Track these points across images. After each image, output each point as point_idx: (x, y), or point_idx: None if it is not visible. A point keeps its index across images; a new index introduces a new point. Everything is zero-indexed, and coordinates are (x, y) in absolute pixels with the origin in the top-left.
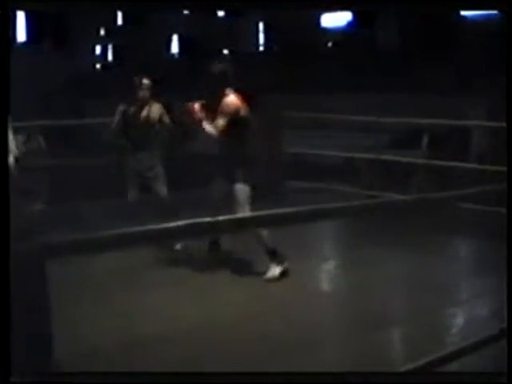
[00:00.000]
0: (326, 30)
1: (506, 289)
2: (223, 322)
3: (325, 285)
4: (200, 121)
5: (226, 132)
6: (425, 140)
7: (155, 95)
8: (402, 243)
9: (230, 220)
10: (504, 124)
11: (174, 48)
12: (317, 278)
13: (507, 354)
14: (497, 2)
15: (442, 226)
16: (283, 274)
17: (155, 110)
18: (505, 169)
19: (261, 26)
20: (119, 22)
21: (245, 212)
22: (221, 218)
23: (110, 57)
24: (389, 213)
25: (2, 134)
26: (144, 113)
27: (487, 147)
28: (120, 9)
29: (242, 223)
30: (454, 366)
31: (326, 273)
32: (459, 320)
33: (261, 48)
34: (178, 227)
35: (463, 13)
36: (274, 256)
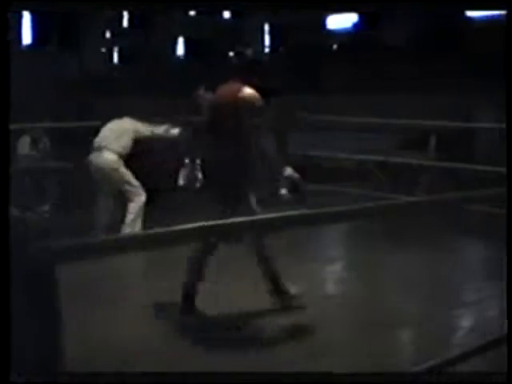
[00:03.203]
0: (331, 32)
1: (506, 288)
2: (228, 324)
3: (331, 286)
4: None
5: None
6: (432, 142)
7: None
8: (410, 245)
9: (241, 223)
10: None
11: (180, 50)
12: (323, 279)
13: (507, 355)
14: (497, 2)
15: (450, 228)
16: None
17: None
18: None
19: (266, 27)
20: (125, 24)
21: None
22: (231, 220)
23: (115, 59)
24: (397, 215)
25: (2, 134)
26: None
27: (496, 149)
28: (123, 9)
29: (252, 225)
30: (461, 368)
31: (333, 274)
32: (468, 322)
33: (266, 49)
34: (190, 230)
35: (470, 14)
36: None
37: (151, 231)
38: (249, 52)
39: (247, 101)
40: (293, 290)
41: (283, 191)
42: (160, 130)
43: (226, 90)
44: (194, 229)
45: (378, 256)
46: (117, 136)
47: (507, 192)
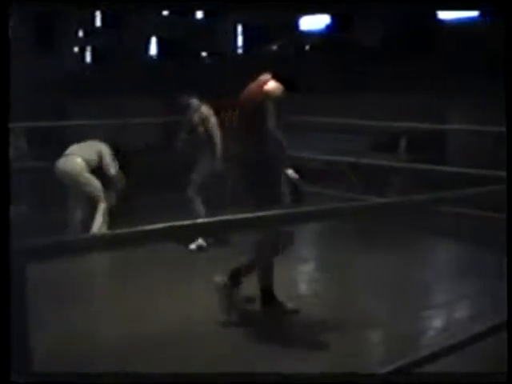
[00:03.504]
0: (304, 33)
1: (505, 287)
2: (199, 327)
3: (303, 286)
4: None
5: None
6: (403, 143)
7: None
8: (381, 245)
9: (211, 222)
10: (483, 127)
11: (153, 50)
12: (295, 279)
13: (507, 354)
14: (496, 1)
15: (421, 229)
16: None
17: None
18: (485, 172)
19: (239, 28)
20: (98, 23)
21: None
22: (199, 220)
23: (88, 58)
24: (369, 215)
25: (2, 135)
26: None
27: (467, 150)
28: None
29: (226, 225)
30: (431, 368)
31: (305, 274)
32: (438, 322)
33: (239, 50)
34: (161, 229)
35: (442, 15)
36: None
37: (122, 231)
38: (275, 47)
39: (271, 93)
40: (289, 304)
41: (285, 190)
42: (109, 159)
43: (253, 84)
44: (164, 228)
45: (348, 257)
46: (84, 148)
47: (507, 195)
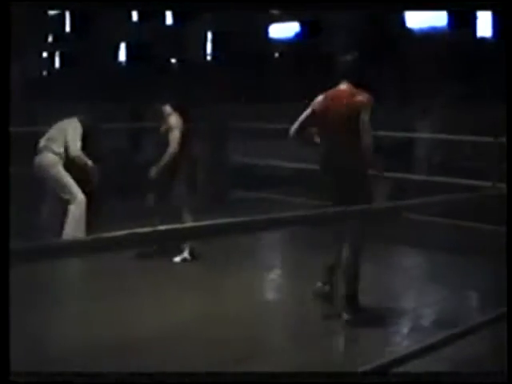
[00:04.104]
0: (273, 41)
1: (505, 286)
2: (170, 331)
3: (269, 293)
4: None
5: None
6: None
7: None
8: None
9: (173, 230)
10: (447, 136)
11: (122, 56)
12: (260, 286)
13: (507, 353)
14: (495, 1)
15: (386, 236)
16: (184, 260)
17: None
18: (447, 180)
19: (209, 35)
20: (67, 28)
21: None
22: (162, 227)
23: (57, 63)
24: (333, 222)
25: (2, 136)
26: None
27: (432, 158)
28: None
29: (188, 233)
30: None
31: (270, 282)
32: (404, 329)
33: (208, 57)
34: (126, 236)
35: (409, 24)
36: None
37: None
38: (349, 57)
39: (365, 104)
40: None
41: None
42: (71, 136)
43: (341, 95)
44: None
45: (313, 263)
46: (53, 137)
47: (507, 200)
